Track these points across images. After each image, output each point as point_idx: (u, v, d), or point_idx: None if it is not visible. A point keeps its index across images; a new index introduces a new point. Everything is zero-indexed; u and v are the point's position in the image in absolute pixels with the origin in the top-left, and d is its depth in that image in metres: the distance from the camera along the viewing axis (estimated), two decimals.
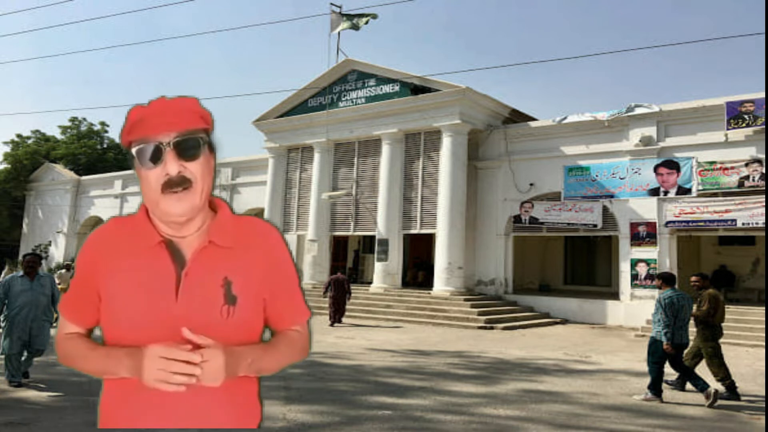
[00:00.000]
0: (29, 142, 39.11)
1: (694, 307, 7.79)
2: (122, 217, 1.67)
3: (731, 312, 12.25)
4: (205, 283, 1.52)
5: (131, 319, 1.50)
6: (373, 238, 20.57)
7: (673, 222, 15.95)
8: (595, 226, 17.24)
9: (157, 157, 1.47)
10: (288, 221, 22.31)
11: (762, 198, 14.40)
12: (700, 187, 15.62)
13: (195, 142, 1.50)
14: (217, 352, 1.42)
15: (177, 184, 1.48)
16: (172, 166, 1.47)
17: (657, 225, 16.16)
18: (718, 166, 15.40)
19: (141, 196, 1.56)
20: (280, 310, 1.66)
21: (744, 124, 15.08)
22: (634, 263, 16.45)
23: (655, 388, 7.21)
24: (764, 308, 12.69)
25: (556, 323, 16.72)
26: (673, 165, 16.10)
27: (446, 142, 18.50)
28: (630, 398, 7.29)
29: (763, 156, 14.75)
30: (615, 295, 17.28)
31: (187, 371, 1.38)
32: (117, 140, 41.42)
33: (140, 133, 1.49)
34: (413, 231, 19.56)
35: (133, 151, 1.50)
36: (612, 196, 17.02)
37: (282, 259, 1.67)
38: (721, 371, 7.63)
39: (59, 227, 32.83)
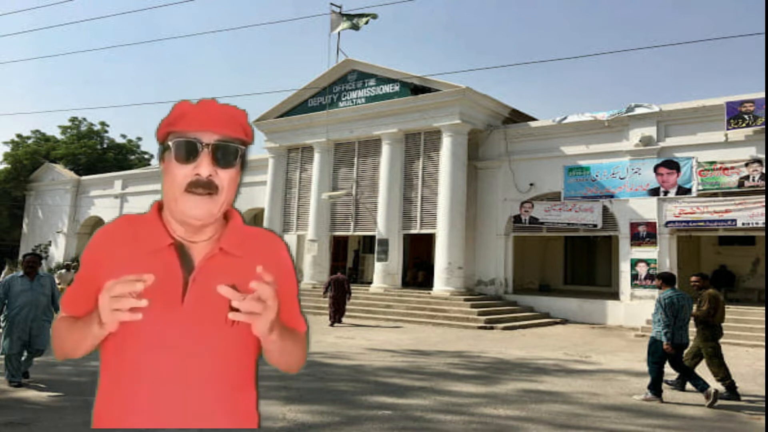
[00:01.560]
0: (29, 142, 39.09)
1: (694, 307, 7.79)
2: (133, 215, 1.65)
3: (731, 312, 12.25)
4: (212, 289, 1.49)
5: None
6: (373, 238, 20.56)
7: (673, 222, 15.95)
8: (595, 226, 17.24)
9: (192, 154, 1.46)
10: (288, 221, 22.32)
11: (762, 198, 14.40)
12: (700, 187, 15.62)
13: (233, 151, 1.49)
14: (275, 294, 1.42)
15: (203, 187, 1.46)
16: (204, 167, 1.46)
17: (657, 225, 16.16)
18: (718, 166, 15.40)
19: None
20: (282, 320, 1.67)
21: (744, 124, 15.08)
22: (634, 263, 16.45)
23: (655, 388, 7.21)
24: (764, 308, 12.69)
25: (556, 323, 16.72)
26: (673, 165, 16.10)
27: (446, 142, 18.50)
28: (630, 398, 7.29)
29: (763, 156, 14.75)
30: (615, 295, 17.28)
31: (134, 290, 1.34)
32: (117, 140, 41.63)
33: (182, 126, 1.48)
34: (413, 231, 19.55)
35: (170, 142, 1.48)
36: (612, 196, 17.02)
37: (288, 272, 1.68)
38: (721, 371, 7.63)
39: (59, 227, 32.82)
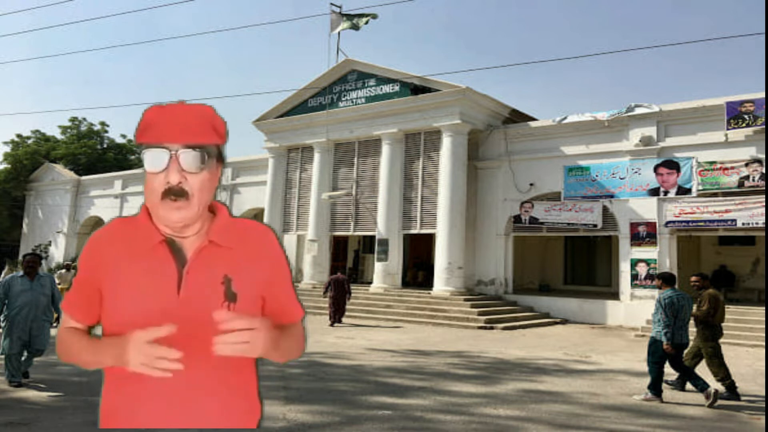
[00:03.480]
0: (29, 142, 39.08)
1: (694, 307, 7.79)
2: (125, 217, 1.70)
3: (731, 312, 12.25)
4: (205, 280, 1.55)
5: (132, 315, 1.52)
6: (373, 238, 20.56)
7: (673, 222, 15.95)
8: (595, 226, 17.24)
9: (161, 163, 1.51)
10: (288, 221, 22.31)
11: (762, 198, 14.40)
12: (700, 187, 15.62)
13: (200, 155, 1.53)
14: (266, 321, 1.48)
15: (175, 194, 1.51)
16: (173, 175, 1.51)
17: (657, 225, 16.16)
18: (718, 166, 15.39)
19: (141, 197, 1.59)
20: (276, 308, 1.69)
21: (744, 124, 15.08)
22: (634, 263, 16.45)
23: (655, 388, 7.21)
24: (764, 308, 12.69)
25: (556, 323, 16.72)
26: (673, 165, 16.10)
27: (446, 142, 18.50)
28: (630, 398, 7.29)
29: (763, 156, 14.74)
30: (615, 295, 17.28)
31: (170, 356, 1.41)
32: (117, 140, 41.62)
33: (151, 136, 1.53)
34: (413, 231, 19.55)
35: (142, 153, 1.54)
36: (612, 196, 17.02)
37: (278, 259, 1.70)
38: (721, 371, 7.63)
39: (59, 227, 32.82)
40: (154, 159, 1.51)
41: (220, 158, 1.59)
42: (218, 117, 1.59)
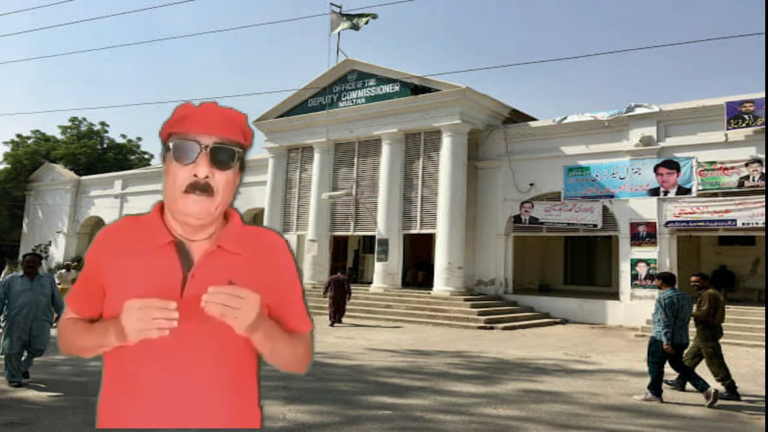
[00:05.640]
0: (29, 142, 39.07)
1: (694, 307, 7.79)
2: (135, 215, 1.70)
3: (731, 312, 12.25)
4: (209, 284, 1.52)
5: None
6: (373, 238, 20.56)
7: (673, 222, 15.95)
8: (595, 226, 17.24)
9: (191, 155, 1.50)
10: (288, 221, 22.32)
11: (762, 198, 14.40)
12: (700, 187, 15.62)
13: (230, 153, 1.53)
14: (256, 295, 1.44)
15: (200, 189, 1.50)
16: (202, 169, 1.50)
17: (657, 225, 16.16)
18: (718, 166, 15.39)
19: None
20: (283, 319, 1.67)
21: (744, 124, 15.08)
22: (634, 263, 16.45)
23: (655, 388, 7.21)
24: (764, 308, 12.69)
25: (556, 323, 16.72)
26: (673, 165, 16.10)
27: (446, 142, 18.50)
28: (630, 398, 7.29)
29: (763, 156, 14.74)
30: (615, 295, 17.28)
31: (165, 316, 1.39)
32: (117, 140, 41.62)
33: (182, 128, 1.52)
34: (413, 231, 19.55)
35: (170, 144, 1.53)
36: (612, 196, 17.02)
37: (288, 269, 1.68)
38: (721, 371, 7.64)
39: (59, 227, 32.80)
40: (184, 151, 1.50)
41: (243, 164, 1.59)
42: (248, 125, 1.60)
